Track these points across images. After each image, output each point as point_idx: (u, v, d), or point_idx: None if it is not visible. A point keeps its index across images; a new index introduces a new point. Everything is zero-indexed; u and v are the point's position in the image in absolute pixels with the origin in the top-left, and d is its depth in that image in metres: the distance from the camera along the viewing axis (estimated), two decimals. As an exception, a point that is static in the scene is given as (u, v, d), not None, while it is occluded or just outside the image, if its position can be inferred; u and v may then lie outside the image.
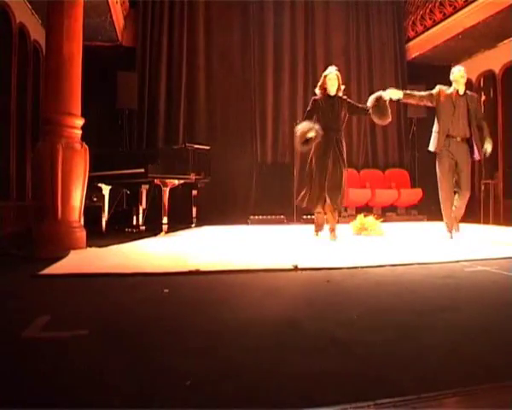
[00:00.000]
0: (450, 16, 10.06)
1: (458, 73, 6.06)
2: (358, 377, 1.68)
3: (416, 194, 10.29)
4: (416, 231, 7.66)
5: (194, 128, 10.22)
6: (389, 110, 6.02)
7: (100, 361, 1.85)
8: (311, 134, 5.72)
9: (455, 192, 6.01)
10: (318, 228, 6.36)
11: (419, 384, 1.60)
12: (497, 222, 9.33)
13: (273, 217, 9.45)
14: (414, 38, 11.42)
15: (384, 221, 7.35)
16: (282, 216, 9.54)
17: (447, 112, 5.98)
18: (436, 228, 8.10)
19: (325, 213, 6.12)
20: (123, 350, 1.98)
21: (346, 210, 9.51)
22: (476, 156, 5.99)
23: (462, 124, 5.95)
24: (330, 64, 10.64)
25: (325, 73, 6.21)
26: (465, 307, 2.72)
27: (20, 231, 6.31)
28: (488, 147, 5.93)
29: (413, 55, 11.47)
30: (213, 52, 10.55)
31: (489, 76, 10.61)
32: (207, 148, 8.25)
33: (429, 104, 6.24)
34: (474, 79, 10.96)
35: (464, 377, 1.67)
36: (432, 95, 6.13)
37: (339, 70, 6.24)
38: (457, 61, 11.36)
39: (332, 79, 6.08)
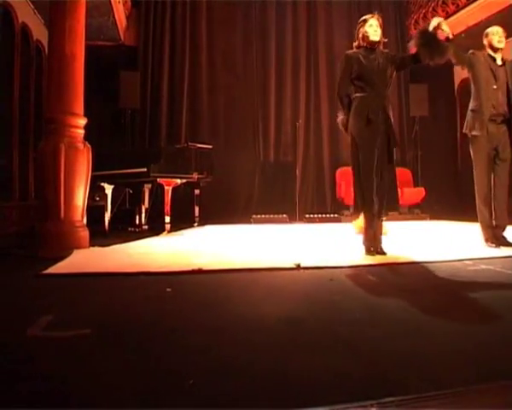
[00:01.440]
0: (452, 15, 10.06)
1: (497, 35, 5.04)
2: (362, 375, 1.68)
3: (418, 193, 10.28)
4: (418, 230, 7.64)
5: (196, 127, 10.24)
6: (443, 44, 4.53)
7: (102, 360, 1.85)
8: None
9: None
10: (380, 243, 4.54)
11: (421, 384, 1.60)
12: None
13: (276, 216, 9.45)
14: (417, 36, 11.39)
15: (386, 220, 7.33)
16: (284, 215, 9.53)
17: (488, 83, 4.94)
18: (439, 227, 8.11)
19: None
20: (126, 349, 1.98)
21: (348, 209, 9.50)
22: None
23: (502, 100, 4.92)
24: (332, 64, 10.77)
25: (363, 18, 4.67)
26: (468, 305, 2.72)
27: (23, 230, 6.32)
28: None
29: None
30: (216, 51, 10.57)
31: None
32: (210, 147, 8.26)
33: (464, 67, 5.17)
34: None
35: (467, 376, 1.67)
36: (471, 56, 5.11)
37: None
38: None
39: (374, 24, 4.54)
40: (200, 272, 3.66)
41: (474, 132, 4.98)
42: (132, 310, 2.64)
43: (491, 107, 4.92)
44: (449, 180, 11.09)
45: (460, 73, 11.54)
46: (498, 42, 5.03)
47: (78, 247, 4.83)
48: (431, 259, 4.26)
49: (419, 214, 10.26)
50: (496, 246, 4.93)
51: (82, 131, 5.10)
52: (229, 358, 1.85)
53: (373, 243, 4.46)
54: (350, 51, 4.71)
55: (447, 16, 10.22)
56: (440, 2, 10.45)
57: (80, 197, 4.98)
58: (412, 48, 4.68)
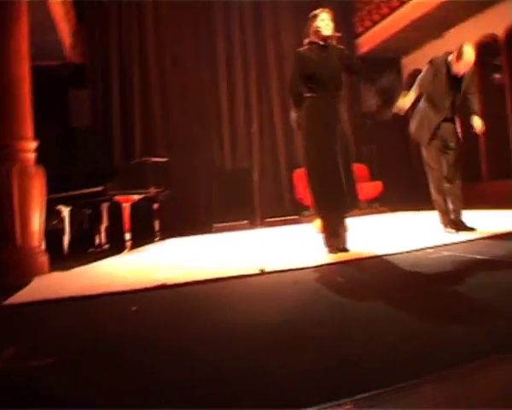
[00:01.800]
0: (396, 9, 10.25)
1: (467, 66, 4.97)
2: (335, 373, 1.69)
3: (376, 187, 10.40)
4: (379, 224, 7.74)
5: (150, 140, 10.13)
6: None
7: (69, 387, 1.82)
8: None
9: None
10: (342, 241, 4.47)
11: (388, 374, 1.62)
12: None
13: (237, 223, 9.44)
14: (363, 33, 11.58)
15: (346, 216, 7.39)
16: (245, 221, 9.53)
17: (445, 92, 5.07)
18: (399, 219, 8.23)
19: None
20: (94, 374, 1.95)
21: (307, 209, 9.55)
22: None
23: (453, 104, 5.13)
24: (282, 64, 10.84)
25: (313, 12, 4.54)
26: (428, 294, 2.76)
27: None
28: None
29: (363, 50, 11.61)
30: (165, 62, 10.50)
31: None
32: (165, 160, 8.19)
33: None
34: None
35: (435, 363, 1.69)
36: (432, 68, 5.12)
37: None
38: (407, 53, 11.63)
39: (325, 18, 4.44)
40: (164, 286, 3.63)
41: (424, 139, 5.17)
42: (98, 333, 2.60)
43: (444, 111, 5.10)
44: (404, 171, 11.28)
45: (408, 67, 11.78)
46: (463, 70, 5.01)
47: (38, 273, 4.72)
48: (393, 251, 4.31)
49: (378, 208, 10.38)
50: (455, 231, 5.05)
51: (34, 155, 4.99)
52: (202, 368, 1.87)
53: (334, 240, 4.45)
54: (301, 49, 4.61)
55: (391, 11, 10.42)
56: (385, -1, 10.63)
57: (36, 222, 4.87)
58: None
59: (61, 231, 6.70)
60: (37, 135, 5.13)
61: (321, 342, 2.05)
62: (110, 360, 2.10)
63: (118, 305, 3.29)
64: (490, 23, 9.31)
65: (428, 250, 4.21)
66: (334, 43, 4.57)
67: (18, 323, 3.08)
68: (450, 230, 5.13)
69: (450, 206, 5.15)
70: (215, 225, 9.32)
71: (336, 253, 4.37)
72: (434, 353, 1.80)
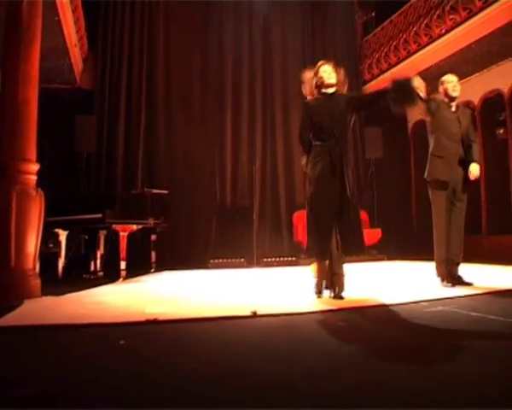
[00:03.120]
0: (404, 60, 10.42)
1: (452, 83, 5.16)
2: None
3: (375, 234, 10.38)
4: (376, 272, 7.69)
5: (153, 171, 10.19)
6: (417, 96, 4.46)
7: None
8: None
9: None
10: (321, 286, 4.60)
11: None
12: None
13: (233, 260, 9.41)
14: (370, 80, 11.75)
15: (344, 262, 7.35)
16: (242, 259, 9.49)
17: (447, 130, 5.11)
18: (396, 268, 8.19)
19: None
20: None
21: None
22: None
23: (459, 145, 5.12)
24: (288, 108, 10.94)
25: (314, 70, 4.63)
26: (428, 350, 2.71)
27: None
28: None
29: (370, 98, 11.74)
30: (172, 94, 10.61)
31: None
32: (166, 192, 8.20)
33: (428, 115, 5.18)
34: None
35: None
36: (433, 103, 5.13)
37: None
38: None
39: (327, 70, 4.54)
40: (155, 322, 3.58)
41: (442, 178, 5.08)
42: (84, 365, 2.55)
43: (453, 152, 5.09)
44: (403, 220, 11.28)
45: (413, 117, 11.89)
46: (453, 90, 5.15)
47: (30, 296, 4.68)
48: (389, 301, 4.28)
49: (376, 255, 10.34)
50: (451, 285, 5.02)
51: (35, 178, 4.99)
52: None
53: (329, 286, 4.54)
54: (309, 99, 4.68)
55: (399, 61, 10.59)
56: (392, 48, 10.80)
57: (32, 245, 4.84)
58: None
59: (57, 255, 6.68)
60: (42, 157, 5.13)
61: (306, 395, 2.00)
62: (89, 393, 2.05)
63: (106, 337, 3.24)
64: (495, 78, 9.49)
65: (424, 303, 4.17)
66: (344, 90, 4.65)
67: (1, 348, 3.03)
68: (446, 283, 5.09)
69: (452, 258, 5.14)
70: (211, 261, 9.29)
71: (321, 297, 4.52)
72: None
